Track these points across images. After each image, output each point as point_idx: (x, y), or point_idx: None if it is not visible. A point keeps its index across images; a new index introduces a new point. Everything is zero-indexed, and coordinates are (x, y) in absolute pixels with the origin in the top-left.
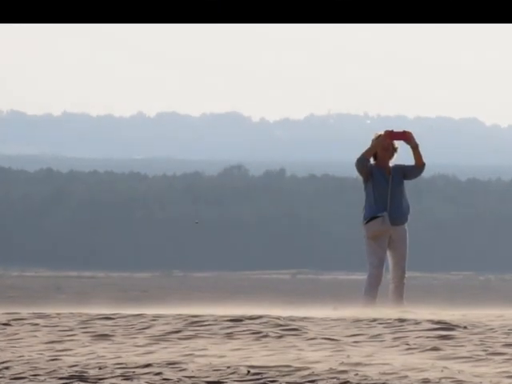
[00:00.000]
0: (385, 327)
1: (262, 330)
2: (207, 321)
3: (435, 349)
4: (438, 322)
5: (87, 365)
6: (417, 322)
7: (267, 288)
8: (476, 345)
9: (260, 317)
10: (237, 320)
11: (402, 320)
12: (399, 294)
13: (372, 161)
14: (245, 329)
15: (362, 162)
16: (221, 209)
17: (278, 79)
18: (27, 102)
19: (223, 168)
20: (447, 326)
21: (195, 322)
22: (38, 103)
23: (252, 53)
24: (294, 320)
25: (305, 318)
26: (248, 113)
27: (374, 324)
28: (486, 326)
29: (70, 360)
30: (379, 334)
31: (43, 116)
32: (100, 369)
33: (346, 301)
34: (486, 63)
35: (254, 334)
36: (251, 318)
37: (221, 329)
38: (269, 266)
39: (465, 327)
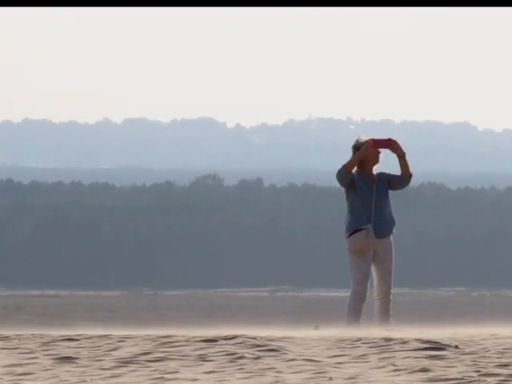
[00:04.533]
0: (370, 347)
1: (238, 350)
2: (178, 341)
3: (424, 370)
4: (427, 342)
5: None
6: (404, 342)
7: (244, 306)
8: (468, 365)
9: (235, 337)
10: (210, 341)
11: (388, 339)
12: (385, 311)
13: (355, 168)
14: (219, 350)
15: (342, 175)
16: (194, 221)
17: (254, 82)
18: None
19: (196, 177)
20: (437, 346)
21: (166, 342)
22: None
23: (226, 54)
24: (272, 340)
25: (284, 337)
26: (222, 118)
27: (358, 344)
28: (479, 345)
29: None
30: (364, 355)
31: (2, 123)
32: None
33: (328, 319)
34: (478, 63)
35: (228, 355)
36: (226, 338)
37: (193, 350)
38: (246, 282)
39: (456, 346)
